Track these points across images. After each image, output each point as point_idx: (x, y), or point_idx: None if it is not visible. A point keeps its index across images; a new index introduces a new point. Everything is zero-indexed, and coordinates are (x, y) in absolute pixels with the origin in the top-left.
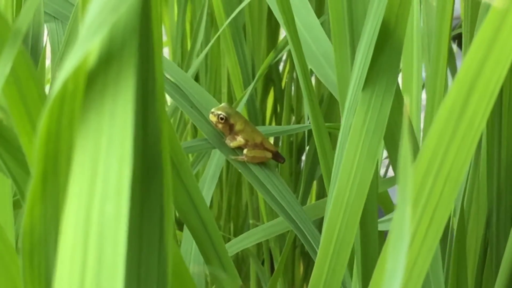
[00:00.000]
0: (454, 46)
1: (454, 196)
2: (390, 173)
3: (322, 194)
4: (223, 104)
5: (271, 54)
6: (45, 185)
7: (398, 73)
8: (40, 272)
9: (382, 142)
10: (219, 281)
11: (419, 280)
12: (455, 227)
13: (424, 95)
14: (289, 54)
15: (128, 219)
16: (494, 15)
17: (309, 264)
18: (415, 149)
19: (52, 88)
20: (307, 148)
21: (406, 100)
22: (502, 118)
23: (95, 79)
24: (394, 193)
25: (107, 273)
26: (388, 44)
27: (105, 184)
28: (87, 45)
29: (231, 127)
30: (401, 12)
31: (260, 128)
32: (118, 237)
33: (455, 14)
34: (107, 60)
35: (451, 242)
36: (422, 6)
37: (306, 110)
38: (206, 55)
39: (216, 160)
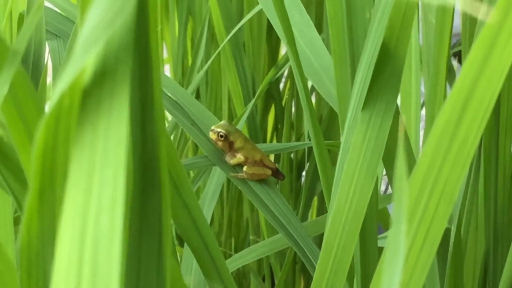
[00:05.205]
0: (455, 63)
1: (449, 211)
2: (390, 190)
3: (323, 209)
4: (223, 121)
5: (272, 71)
6: (42, 199)
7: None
8: (38, 287)
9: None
10: None
11: None
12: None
13: (424, 112)
14: (290, 71)
15: (127, 234)
16: (488, 30)
17: (309, 280)
18: (412, 166)
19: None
20: (307, 164)
21: (402, 118)
22: (499, 136)
23: (90, 94)
24: None
25: (102, 285)
26: (388, 65)
27: (100, 198)
28: (82, 61)
29: (231, 145)
30: (402, 33)
31: (260, 146)
32: (113, 249)
33: (456, 31)
34: (102, 75)
35: (450, 258)
36: (421, 24)
37: (307, 127)
38: (207, 72)
39: (216, 177)
